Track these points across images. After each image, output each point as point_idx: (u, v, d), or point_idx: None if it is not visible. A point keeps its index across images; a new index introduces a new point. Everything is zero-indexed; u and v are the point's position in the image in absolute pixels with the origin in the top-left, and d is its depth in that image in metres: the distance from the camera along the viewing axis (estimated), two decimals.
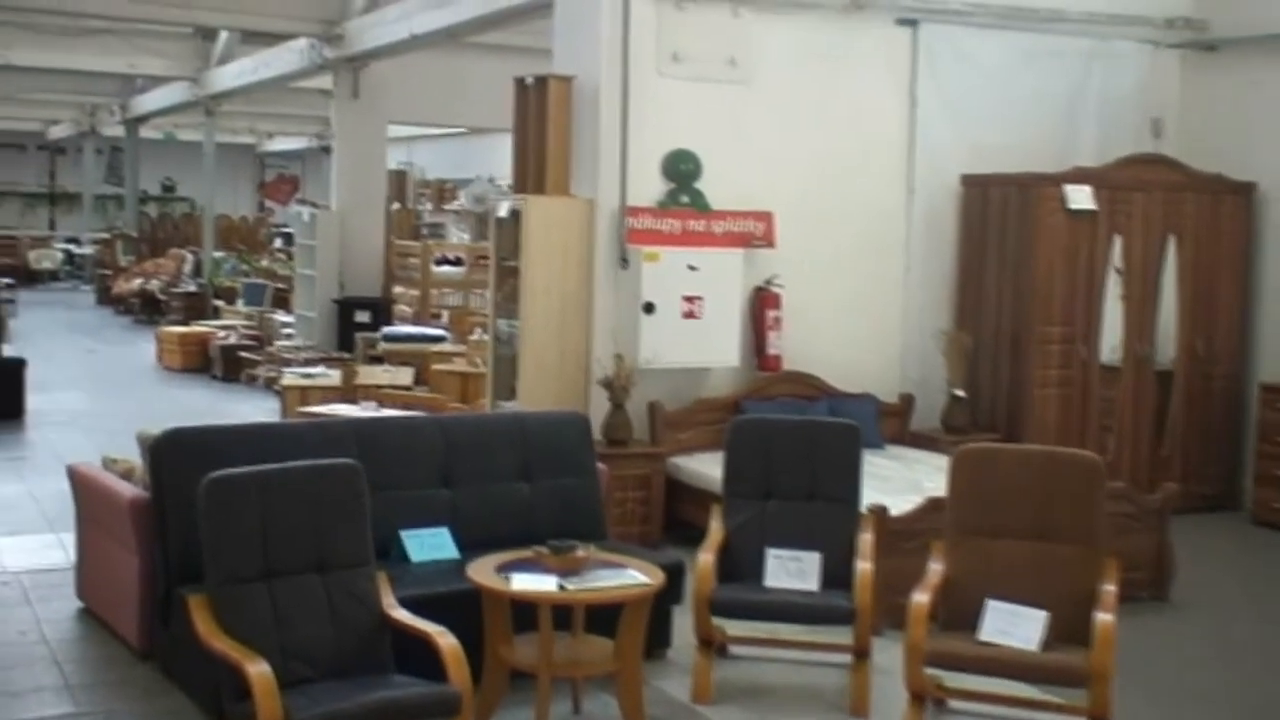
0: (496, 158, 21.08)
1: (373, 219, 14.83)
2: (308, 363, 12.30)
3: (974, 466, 5.49)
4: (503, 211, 8.55)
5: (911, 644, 5.04)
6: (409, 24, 11.94)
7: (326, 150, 31.28)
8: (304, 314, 14.77)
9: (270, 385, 14.38)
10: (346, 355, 12.95)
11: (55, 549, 7.65)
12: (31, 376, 12.46)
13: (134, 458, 6.41)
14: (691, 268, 8.35)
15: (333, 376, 11.03)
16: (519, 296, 8.39)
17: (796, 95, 8.82)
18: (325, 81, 17.80)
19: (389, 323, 14.17)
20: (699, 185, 8.56)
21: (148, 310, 21.95)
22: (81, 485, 6.56)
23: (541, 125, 8.45)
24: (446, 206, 22.24)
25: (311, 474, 4.85)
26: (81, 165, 31.19)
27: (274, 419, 12.07)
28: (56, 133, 31.65)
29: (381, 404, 9.63)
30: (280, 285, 18.69)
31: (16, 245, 30.25)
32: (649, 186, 8.47)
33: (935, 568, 5.37)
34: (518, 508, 6.28)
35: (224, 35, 18.28)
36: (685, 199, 8.52)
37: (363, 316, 14.09)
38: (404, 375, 11.17)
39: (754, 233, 8.64)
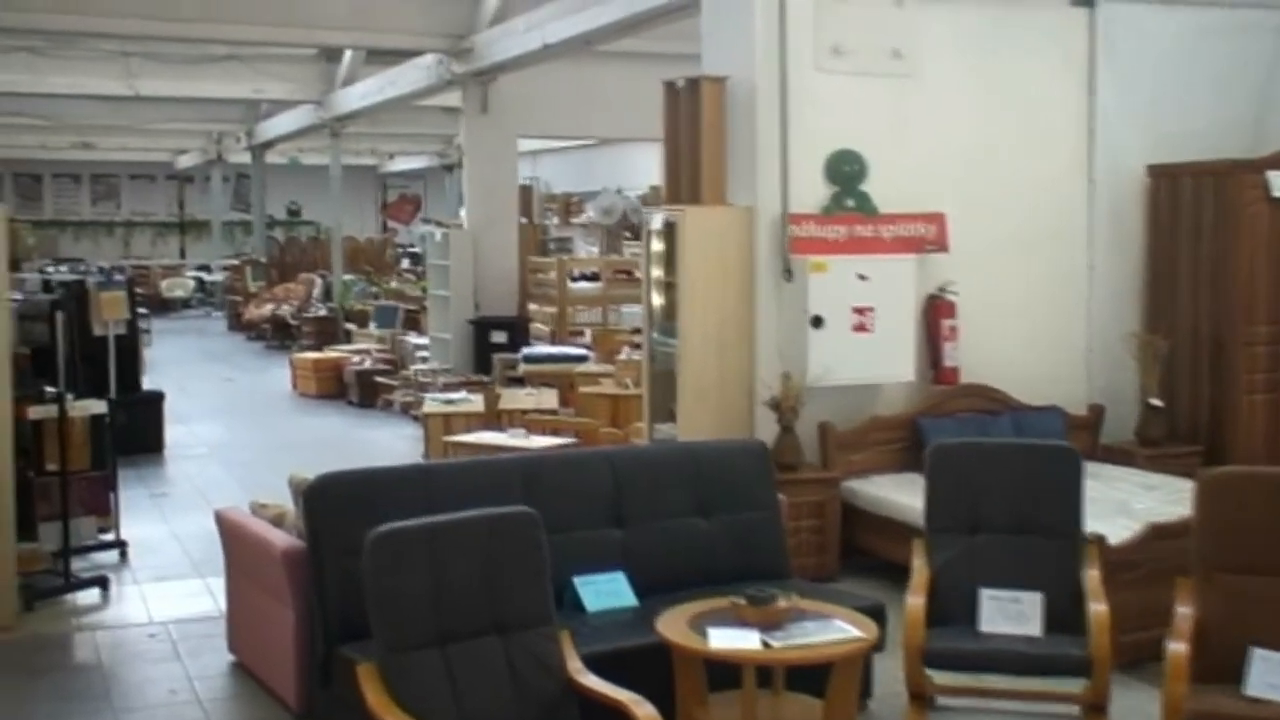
0: (624, 168, 20.71)
1: (505, 236, 14.43)
2: (447, 387, 11.91)
3: (1225, 493, 4.82)
4: (656, 224, 8.03)
5: (1171, 702, 4.39)
6: (541, 33, 11.52)
7: (448, 169, 31.35)
8: (439, 336, 14.42)
9: (407, 410, 14.06)
10: (485, 378, 12.55)
11: (203, 596, 7.30)
12: (169, 408, 12.26)
13: (284, 501, 6.01)
14: (861, 277, 7.76)
15: (475, 402, 10.62)
16: (676, 313, 7.87)
17: (965, 86, 8.19)
18: (449, 99, 17.59)
19: (526, 343, 13.76)
20: (864, 187, 7.96)
21: (279, 335, 21.89)
22: (230, 532, 6.17)
23: (695, 131, 7.93)
24: (574, 220, 21.85)
25: (485, 524, 4.36)
26: (209, 193, 31.48)
27: (416, 446, 11.72)
28: (184, 162, 31.99)
29: (530, 430, 9.17)
30: (411, 307, 18.42)
31: (149, 274, 30.59)
32: (811, 191, 7.90)
33: (1184, 611, 4.71)
34: (695, 546, 5.78)
35: (348, 56, 18.09)
36: (851, 203, 7.94)
37: (499, 337, 13.69)
38: (549, 398, 10.71)
39: (925, 236, 8.03)
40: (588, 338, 12.81)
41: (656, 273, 8.21)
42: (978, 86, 8.21)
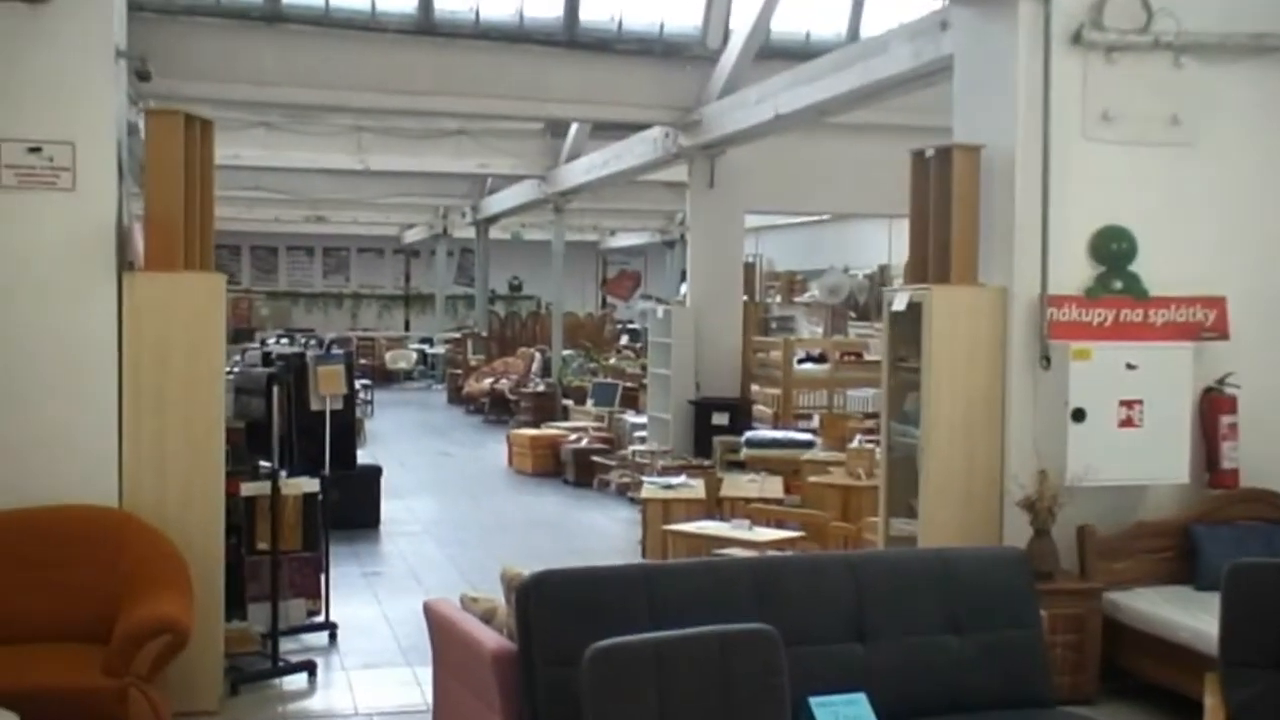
0: (851, 246, 20.12)
1: (729, 314, 13.96)
2: (665, 471, 11.44)
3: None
4: (898, 304, 7.44)
5: None
6: (774, 103, 11.07)
7: (669, 245, 31.22)
8: (658, 416, 14.00)
9: (624, 491, 13.66)
10: (705, 462, 12.05)
11: (411, 687, 6.92)
12: (386, 481, 12.12)
13: (496, 595, 5.57)
14: (1129, 366, 7.01)
15: (695, 487, 10.12)
16: (921, 401, 7.24)
17: (1250, 156, 7.38)
18: (672, 173, 17.33)
19: (748, 425, 13.22)
20: (1134, 268, 7.21)
21: (497, 409, 21.85)
22: (439, 626, 5.75)
23: (945, 203, 7.33)
24: (797, 299, 21.34)
25: (717, 641, 3.85)
26: (434, 267, 32.00)
27: (632, 531, 11.27)
28: (411, 236, 32.62)
29: (754, 520, 8.61)
30: (629, 384, 18.11)
31: (374, 345, 31.17)
32: (1074, 271, 7.20)
33: None
34: (946, 667, 5.11)
35: (573, 131, 18.02)
36: (1118, 284, 7.20)
37: (720, 418, 13.18)
38: (773, 486, 10.15)
39: (1203, 322, 7.23)
40: (814, 422, 12.20)
41: (896, 356, 7.61)
42: (1264, 156, 7.40)
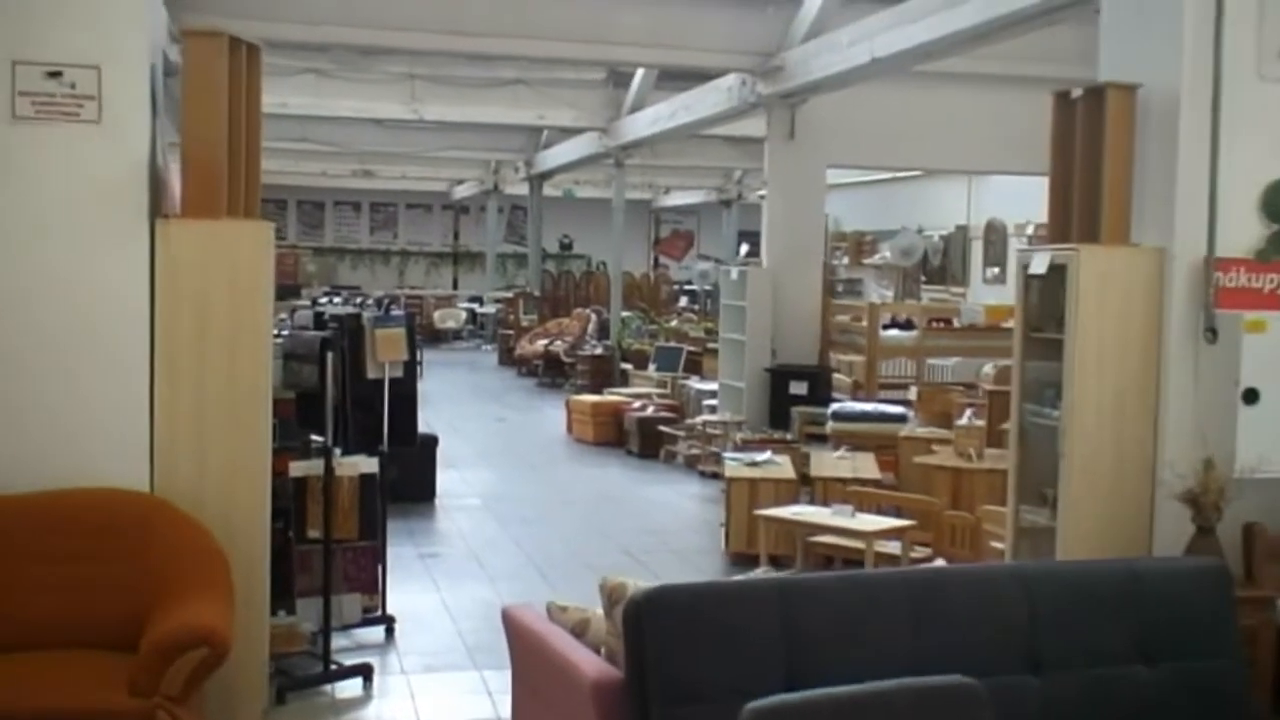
0: (925, 206, 19.11)
1: (809, 277, 13.00)
2: (745, 445, 10.54)
3: None
4: (1037, 267, 6.49)
5: None
6: (869, 46, 10.09)
7: (725, 204, 30.25)
8: (730, 383, 13.11)
9: (693, 464, 12.80)
10: (787, 436, 11.15)
11: (479, 695, 6.11)
12: (440, 450, 11.31)
13: (588, 606, 4.74)
14: None
15: (782, 465, 9.23)
16: (1064, 378, 6.31)
17: None
18: (735, 127, 16.40)
19: (828, 395, 12.31)
20: None
21: (551, 372, 21.04)
22: (521, 640, 4.90)
23: (1093, 151, 6.36)
24: (866, 261, 20.34)
25: (909, 698, 2.98)
26: (484, 224, 31.16)
27: (708, 510, 10.42)
28: (461, 192, 31.80)
29: (857, 507, 7.73)
30: (693, 349, 17.22)
31: (422, 304, 30.41)
32: (1244, 230, 6.22)
33: None
34: (1135, 704, 4.27)
35: (637, 80, 17.07)
36: None
37: (798, 388, 12.27)
38: (866, 464, 9.24)
39: None
40: (910, 394, 11.22)
41: (1030, 326, 6.68)
42: None
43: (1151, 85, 6.30)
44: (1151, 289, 6.29)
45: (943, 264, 18.95)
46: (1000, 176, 16.35)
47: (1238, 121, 6.14)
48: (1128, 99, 6.34)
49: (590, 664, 4.26)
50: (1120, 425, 6.30)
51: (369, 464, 6.32)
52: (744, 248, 27.80)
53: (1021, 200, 15.91)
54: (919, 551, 7.56)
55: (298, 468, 6.14)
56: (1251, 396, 6.04)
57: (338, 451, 6.21)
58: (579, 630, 4.66)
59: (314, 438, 6.31)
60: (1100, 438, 6.28)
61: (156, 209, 5.60)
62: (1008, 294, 16.44)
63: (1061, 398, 6.45)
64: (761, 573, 4.40)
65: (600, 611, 4.60)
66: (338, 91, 17.42)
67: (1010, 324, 12.88)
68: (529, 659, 4.82)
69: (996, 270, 17.22)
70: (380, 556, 6.64)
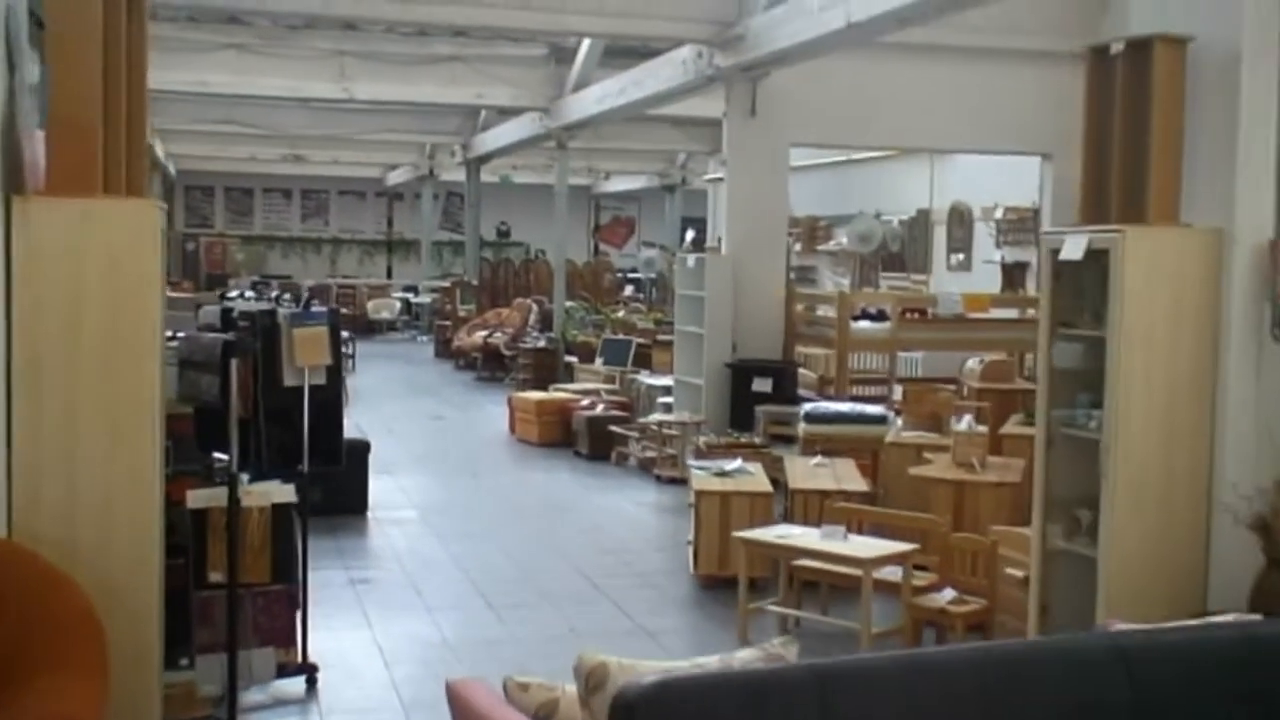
0: (884, 189, 18.22)
1: (772, 265, 12.05)
2: (712, 451, 9.56)
3: None
4: (1071, 251, 5.55)
5: None
6: (845, 10, 9.13)
7: (668, 189, 29.25)
8: (687, 379, 12.14)
9: (648, 468, 11.83)
10: (756, 440, 10.18)
11: None
12: (373, 452, 10.23)
13: (555, 683, 3.73)
14: None
15: (756, 475, 8.26)
16: (1108, 380, 5.39)
17: None
18: (681, 107, 15.45)
19: (795, 393, 11.37)
20: None
21: (491, 366, 19.98)
22: None
23: (1137, 116, 5.45)
24: (820, 248, 19.46)
25: None
26: (419, 211, 29.97)
27: (670, 522, 9.44)
28: (395, 178, 30.62)
29: (849, 528, 6.78)
30: (642, 340, 16.24)
31: (355, 294, 29.20)
32: None
33: None
34: None
35: (581, 57, 16.03)
36: None
37: (762, 385, 11.32)
38: (848, 473, 8.29)
39: None
40: (887, 391, 10.28)
41: (1059, 320, 5.76)
42: None
43: (1206, 38, 5.41)
44: (1207, 278, 5.41)
45: (901, 250, 18.06)
46: (965, 157, 15.49)
47: None
48: (1178, 54, 5.44)
49: None
50: (1171, 436, 5.42)
51: (283, 492, 5.25)
52: (690, 234, 26.85)
53: (988, 182, 15.05)
54: (921, 578, 6.62)
55: (197, 497, 5.07)
56: None
57: (245, 478, 5.16)
58: (544, 714, 3.66)
59: (218, 459, 5.26)
60: (1148, 453, 5.40)
61: (11, 183, 4.52)
62: (972, 282, 15.62)
63: (1097, 405, 5.54)
64: (781, 644, 3.41)
65: (572, 690, 3.62)
66: (262, 69, 16.25)
67: (990, 315, 12.10)
68: None
69: (961, 256, 16.34)
70: (298, 602, 5.57)
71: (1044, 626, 5.83)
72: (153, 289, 4.63)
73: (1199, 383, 5.41)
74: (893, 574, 6.53)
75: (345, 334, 17.13)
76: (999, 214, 15.01)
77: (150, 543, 4.69)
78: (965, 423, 7.78)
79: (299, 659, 5.74)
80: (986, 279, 15.01)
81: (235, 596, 5.07)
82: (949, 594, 6.35)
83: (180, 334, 5.32)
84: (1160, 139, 5.42)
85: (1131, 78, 5.50)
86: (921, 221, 17.42)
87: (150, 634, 4.73)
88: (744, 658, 3.43)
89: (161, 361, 4.79)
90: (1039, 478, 5.86)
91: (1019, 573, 6.25)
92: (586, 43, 15.67)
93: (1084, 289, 5.69)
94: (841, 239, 18.49)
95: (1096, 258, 5.48)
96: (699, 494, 7.92)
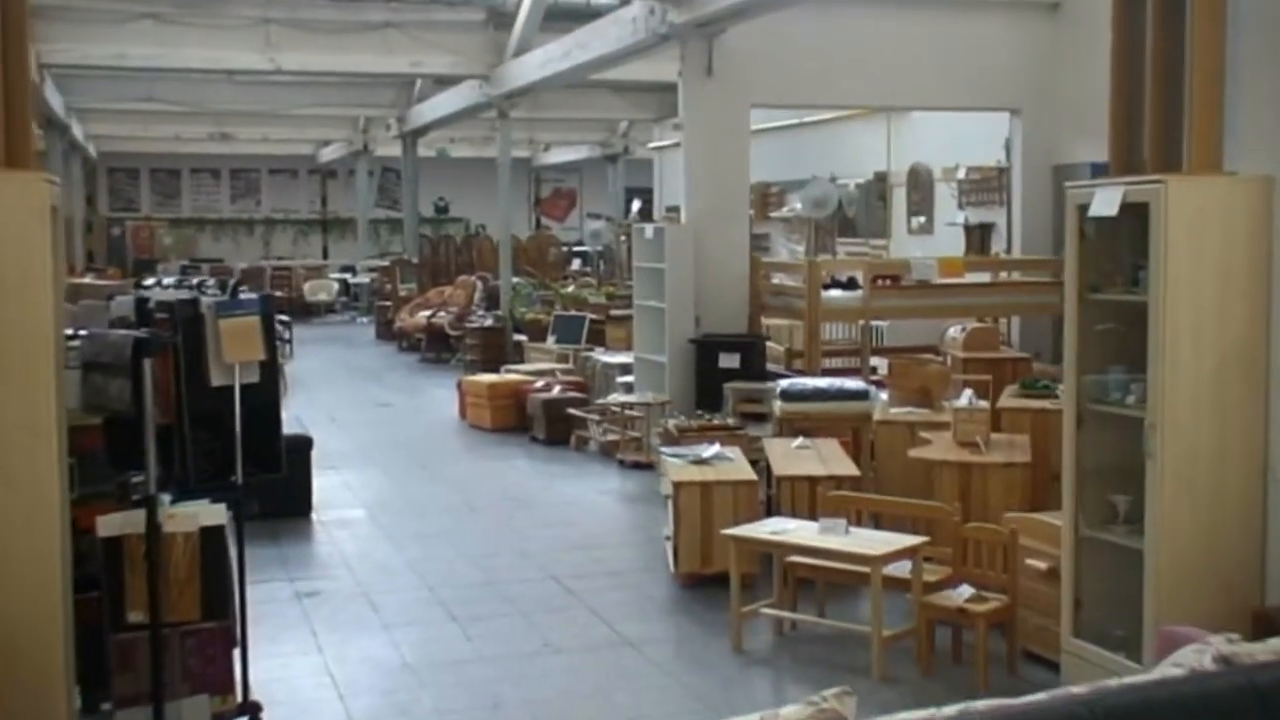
0: (839, 153, 17.57)
1: (735, 235, 11.39)
2: (685, 436, 8.88)
3: None
4: (1103, 207, 4.92)
5: None
6: None
7: (610, 159, 28.50)
8: (648, 357, 11.46)
9: (609, 452, 11.16)
10: (730, 421, 9.51)
11: None
12: (315, 447, 9.47)
13: None
14: None
15: (737, 462, 7.61)
16: (1151, 350, 4.77)
17: None
18: (622, 71, 14.77)
19: (763, 368, 10.73)
20: None
21: (435, 347, 19.20)
22: None
23: (1172, 55, 4.83)
24: (773, 214, 18.83)
25: None
26: (354, 188, 29.04)
27: (640, 512, 8.78)
28: (328, 154, 29.66)
29: (850, 520, 6.14)
30: (595, 317, 15.54)
31: (291, 276, 28.25)
32: None
33: None
34: None
35: (521, 20, 15.26)
36: None
37: (729, 361, 10.66)
38: (834, 455, 7.65)
39: None
40: (859, 363, 9.61)
41: (1088, 284, 5.13)
42: None
43: None
44: (1258, 231, 4.80)
45: (857, 215, 17.46)
46: (923, 117, 14.86)
47: None
48: None
49: None
50: (1223, 411, 4.80)
51: (212, 513, 4.51)
52: (635, 204, 26.16)
53: (948, 142, 14.45)
54: (932, 572, 5.99)
55: (108, 524, 4.32)
56: None
57: (166, 499, 4.42)
58: None
59: (135, 477, 4.52)
60: (1198, 428, 4.78)
61: None
62: (935, 245, 15.03)
63: (1135, 379, 4.93)
64: (835, 697, 2.75)
65: None
66: (183, 39, 15.37)
67: (966, 279, 11.49)
68: None
69: (922, 219, 15.74)
70: (235, 640, 4.83)
71: (1077, 623, 5.24)
72: (42, 280, 3.90)
73: (1251, 351, 4.80)
74: (898, 568, 5.90)
75: (282, 318, 16.41)
76: (961, 174, 14.42)
77: (50, 580, 4.00)
78: (966, 397, 7.15)
79: (239, 700, 5.00)
80: (949, 243, 14.43)
81: (159, 639, 4.33)
82: (966, 590, 5.73)
83: (83, 331, 4.57)
84: (1200, 78, 4.79)
85: (1165, 13, 4.87)
86: (879, 184, 16.80)
87: (57, 685, 4.04)
88: (789, 717, 2.77)
89: (58, 365, 4.06)
90: (1069, 460, 5.24)
91: (1041, 564, 5.64)
92: (527, 5, 14.91)
93: (1112, 249, 5.08)
94: (795, 205, 17.85)
95: (1133, 212, 4.85)
96: (677, 485, 7.24)
